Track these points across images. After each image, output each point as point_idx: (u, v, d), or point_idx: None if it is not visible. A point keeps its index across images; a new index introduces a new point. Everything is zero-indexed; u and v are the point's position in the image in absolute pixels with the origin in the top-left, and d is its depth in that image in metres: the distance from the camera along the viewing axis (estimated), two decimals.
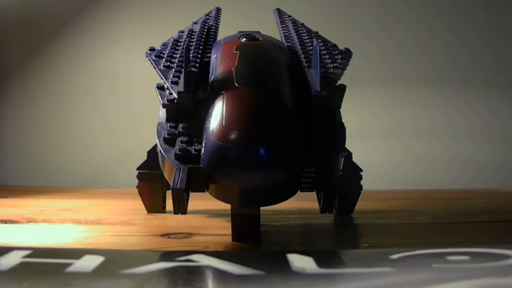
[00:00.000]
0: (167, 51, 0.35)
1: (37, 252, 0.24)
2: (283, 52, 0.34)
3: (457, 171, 0.72)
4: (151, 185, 0.42)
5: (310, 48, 0.35)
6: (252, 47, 0.33)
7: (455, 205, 0.49)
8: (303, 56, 0.33)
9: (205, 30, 0.38)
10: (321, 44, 0.36)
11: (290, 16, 0.43)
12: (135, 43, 0.60)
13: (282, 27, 0.41)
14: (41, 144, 0.74)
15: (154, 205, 0.42)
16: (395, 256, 0.24)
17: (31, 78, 0.75)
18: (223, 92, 0.28)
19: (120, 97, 0.74)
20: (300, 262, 0.22)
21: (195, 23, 0.41)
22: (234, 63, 0.31)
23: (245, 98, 0.28)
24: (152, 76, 0.33)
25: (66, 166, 0.74)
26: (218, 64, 0.31)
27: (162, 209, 0.42)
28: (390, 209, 0.47)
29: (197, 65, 0.32)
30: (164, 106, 0.30)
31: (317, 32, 0.40)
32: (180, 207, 0.26)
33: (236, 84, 0.29)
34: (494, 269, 0.21)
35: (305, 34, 0.38)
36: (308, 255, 0.24)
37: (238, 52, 0.31)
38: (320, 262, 0.22)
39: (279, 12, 0.44)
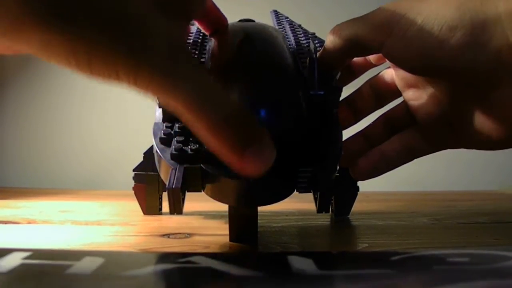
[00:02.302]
0: None
1: (37, 253, 0.24)
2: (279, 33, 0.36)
3: (458, 173, 0.73)
4: (147, 187, 0.42)
5: (307, 49, 0.35)
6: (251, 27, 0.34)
7: (455, 206, 0.49)
8: (300, 57, 0.33)
9: (201, 32, 0.39)
10: (318, 45, 0.36)
11: (287, 18, 0.43)
12: None
13: (279, 28, 0.41)
14: (41, 145, 0.74)
15: (150, 207, 0.42)
16: (395, 258, 0.24)
17: (31, 79, 0.75)
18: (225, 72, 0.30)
19: (119, 98, 0.74)
20: (300, 263, 0.22)
21: (192, 24, 0.41)
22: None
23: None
24: None
25: (65, 168, 0.74)
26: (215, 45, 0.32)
27: (158, 211, 0.42)
28: (390, 210, 0.47)
29: None
30: (160, 106, 0.30)
31: (314, 34, 0.40)
32: (176, 207, 0.26)
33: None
34: (495, 270, 0.21)
35: (302, 35, 0.38)
36: (308, 256, 0.24)
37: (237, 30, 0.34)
38: (320, 264, 0.22)
39: (276, 14, 0.44)
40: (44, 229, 0.37)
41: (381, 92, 0.37)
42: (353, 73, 0.38)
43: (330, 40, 0.32)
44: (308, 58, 0.33)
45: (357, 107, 0.37)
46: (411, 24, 0.29)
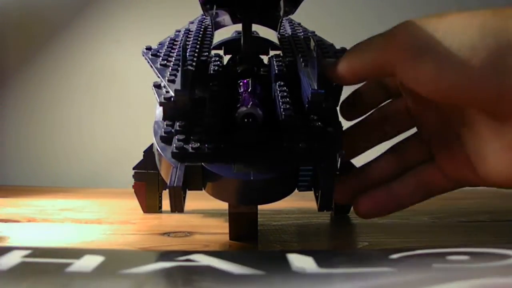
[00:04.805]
0: (164, 50, 0.35)
1: (37, 251, 0.24)
2: None
3: None
4: (147, 185, 0.42)
5: (306, 47, 0.35)
6: None
7: (455, 204, 0.49)
8: (299, 55, 0.33)
9: (202, 29, 0.39)
10: (318, 41, 0.36)
11: (287, 17, 0.43)
12: (134, 42, 0.61)
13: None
14: (41, 144, 0.74)
15: (150, 205, 0.42)
16: (395, 256, 0.24)
17: (31, 78, 0.75)
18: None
19: (119, 97, 0.74)
20: (300, 262, 0.22)
21: (192, 22, 0.41)
22: None
23: None
24: (150, 75, 0.33)
25: (65, 166, 0.74)
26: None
27: (158, 209, 0.42)
28: None
29: (194, 63, 0.32)
30: (160, 104, 0.30)
31: (314, 32, 0.40)
32: (177, 205, 0.26)
33: None
34: (495, 269, 0.21)
35: (302, 34, 0.38)
36: (308, 255, 0.24)
37: None
38: (320, 262, 0.22)
39: None
40: (44, 227, 0.37)
41: (391, 121, 0.34)
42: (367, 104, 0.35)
43: (342, 71, 0.30)
44: (308, 57, 0.33)
45: (363, 137, 0.34)
46: (426, 42, 0.26)
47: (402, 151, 0.33)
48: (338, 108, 0.32)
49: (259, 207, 0.30)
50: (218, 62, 0.35)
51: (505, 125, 0.26)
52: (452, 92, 0.26)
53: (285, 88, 0.31)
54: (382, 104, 0.35)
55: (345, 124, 0.35)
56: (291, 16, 0.42)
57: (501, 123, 0.26)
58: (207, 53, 0.35)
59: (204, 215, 0.41)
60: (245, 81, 0.31)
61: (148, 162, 0.40)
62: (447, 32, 0.26)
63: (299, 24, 0.42)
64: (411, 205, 0.33)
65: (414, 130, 0.34)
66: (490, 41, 0.25)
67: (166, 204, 0.39)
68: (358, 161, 0.35)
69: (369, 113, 0.35)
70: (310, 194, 0.28)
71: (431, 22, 0.27)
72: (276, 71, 0.33)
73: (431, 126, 0.31)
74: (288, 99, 0.30)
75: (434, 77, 0.26)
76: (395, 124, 0.34)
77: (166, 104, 0.29)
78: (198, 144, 0.27)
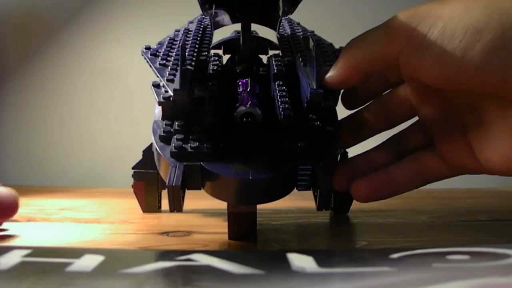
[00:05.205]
0: (163, 50, 0.35)
1: (37, 251, 0.24)
2: None
3: None
4: (147, 185, 0.42)
5: (305, 47, 0.35)
6: None
7: (455, 204, 0.49)
8: (298, 55, 0.33)
9: (201, 29, 0.39)
10: (317, 41, 0.36)
11: (287, 17, 0.43)
12: (134, 42, 0.61)
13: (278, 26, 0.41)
14: (40, 143, 0.74)
15: (149, 205, 0.42)
16: (395, 256, 0.24)
17: (31, 77, 0.75)
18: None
19: (118, 96, 0.74)
20: (300, 261, 0.22)
21: (191, 22, 0.41)
22: None
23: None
24: (150, 75, 0.33)
25: (65, 166, 0.74)
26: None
27: (158, 209, 0.42)
28: (389, 208, 0.47)
29: (193, 63, 0.32)
30: (159, 104, 0.30)
31: (313, 31, 0.40)
32: (176, 205, 0.26)
33: None
34: (494, 268, 0.21)
35: (301, 33, 0.38)
36: (308, 254, 0.24)
37: None
38: (320, 262, 0.22)
39: None
40: (44, 227, 0.37)
41: (392, 111, 0.33)
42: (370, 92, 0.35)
43: (341, 68, 0.29)
44: (307, 57, 0.33)
45: (362, 126, 0.34)
46: (429, 29, 0.26)
47: (402, 139, 0.33)
48: (337, 106, 0.32)
49: (258, 206, 0.30)
50: (217, 62, 0.35)
51: (509, 108, 0.26)
52: (456, 78, 0.26)
53: (284, 87, 0.31)
54: (383, 93, 0.35)
55: (346, 113, 0.35)
56: (291, 16, 0.42)
57: (505, 107, 0.26)
58: (206, 53, 0.35)
59: (203, 214, 0.41)
60: (244, 80, 0.31)
61: (147, 161, 0.40)
62: (450, 17, 0.26)
63: (298, 23, 0.42)
64: (408, 190, 0.32)
65: (413, 120, 0.34)
66: (495, 24, 0.25)
67: (165, 203, 0.39)
68: (356, 152, 0.35)
69: (370, 102, 0.34)
70: (309, 193, 0.28)
71: (433, 8, 0.26)
72: (275, 71, 0.33)
73: (433, 113, 0.31)
74: (287, 99, 0.30)
75: (438, 65, 0.26)
76: (395, 113, 0.33)
77: (165, 103, 0.29)
78: (197, 143, 0.27)
